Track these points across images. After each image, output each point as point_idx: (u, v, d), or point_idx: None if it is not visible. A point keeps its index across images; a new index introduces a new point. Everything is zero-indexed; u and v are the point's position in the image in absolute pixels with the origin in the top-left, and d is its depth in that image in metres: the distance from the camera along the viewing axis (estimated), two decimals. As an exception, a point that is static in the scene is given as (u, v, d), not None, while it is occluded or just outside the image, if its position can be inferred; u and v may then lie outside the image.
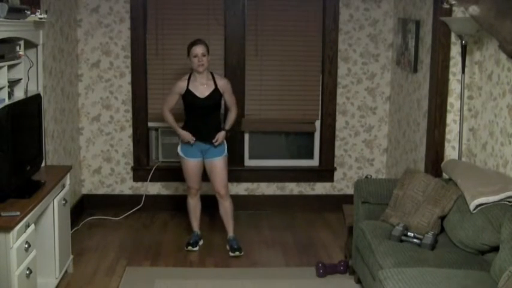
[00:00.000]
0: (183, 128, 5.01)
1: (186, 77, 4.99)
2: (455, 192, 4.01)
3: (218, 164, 5.02)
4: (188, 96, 4.94)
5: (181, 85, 4.96)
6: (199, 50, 4.85)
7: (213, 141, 4.94)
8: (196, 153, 5.01)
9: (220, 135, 4.96)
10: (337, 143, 6.19)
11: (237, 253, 5.00)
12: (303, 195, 6.24)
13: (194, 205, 5.20)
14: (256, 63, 6.04)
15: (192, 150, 5.00)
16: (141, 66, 5.95)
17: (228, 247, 5.09)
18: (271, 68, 6.05)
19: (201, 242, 5.23)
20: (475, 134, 4.60)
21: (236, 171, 5.98)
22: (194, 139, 4.94)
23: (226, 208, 5.11)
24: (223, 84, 5.00)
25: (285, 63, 6.05)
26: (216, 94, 4.96)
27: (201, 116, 4.96)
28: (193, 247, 5.11)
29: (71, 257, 4.66)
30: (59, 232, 4.29)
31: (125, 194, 6.15)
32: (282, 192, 6.24)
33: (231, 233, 5.15)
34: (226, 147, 5.08)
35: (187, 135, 4.94)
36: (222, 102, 5.11)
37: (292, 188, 6.24)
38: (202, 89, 4.94)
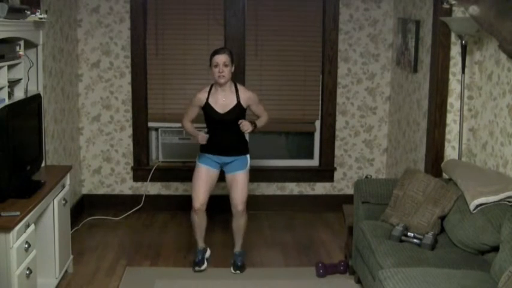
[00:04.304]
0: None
1: (207, 88, 4.62)
2: (455, 192, 4.01)
3: (240, 177, 4.66)
4: (207, 110, 4.59)
5: (201, 98, 4.60)
6: (220, 59, 4.46)
7: (238, 122, 4.55)
8: (213, 163, 4.67)
9: (246, 123, 4.55)
10: (337, 143, 6.19)
11: (238, 272, 4.73)
12: (303, 195, 6.24)
13: (199, 222, 4.74)
14: (256, 63, 6.04)
15: (210, 160, 4.67)
16: (141, 66, 5.95)
17: (232, 261, 4.81)
18: (271, 68, 6.05)
19: (208, 254, 4.90)
20: (475, 134, 4.60)
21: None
22: (205, 139, 4.61)
23: (240, 225, 4.76)
24: (247, 97, 4.61)
25: (285, 63, 6.05)
26: (238, 109, 4.57)
27: (221, 131, 4.60)
28: (200, 267, 4.73)
29: (71, 257, 4.66)
30: (59, 232, 4.29)
31: (125, 194, 6.16)
32: (282, 192, 6.24)
33: (238, 248, 4.83)
34: (249, 161, 4.73)
35: (202, 138, 4.62)
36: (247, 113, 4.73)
37: (292, 188, 6.24)
38: (223, 103, 4.57)
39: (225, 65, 4.49)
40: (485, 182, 3.83)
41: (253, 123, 4.62)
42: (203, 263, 4.77)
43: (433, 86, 4.75)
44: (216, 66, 4.50)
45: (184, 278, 4.63)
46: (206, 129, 4.72)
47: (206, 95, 4.61)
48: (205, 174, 4.68)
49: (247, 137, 4.88)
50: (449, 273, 3.33)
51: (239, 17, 5.91)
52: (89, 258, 4.96)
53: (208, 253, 4.92)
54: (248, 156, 4.74)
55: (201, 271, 4.73)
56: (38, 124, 4.30)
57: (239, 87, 4.66)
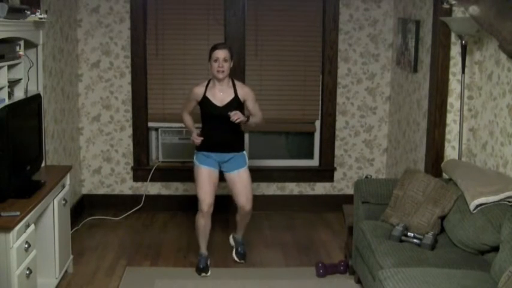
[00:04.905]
0: (200, 136, 4.65)
1: (204, 83, 4.64)
2: (455, 192, 4.01)
3: (243, 175, 4.68)
4: (205, 104, 4.60)
5: (198, 92, 4.61)
6: (220, 54, 4.48)
7: (230, 113, 4.47)
8: (212, 163, 4.66)
9: (238, 112, 4.48)
10: (337, 143, 6.19)
11: (243, 261, 4.86)
12: (303, 195, 6.24)
13: (204, 225, 4.71)
14: (256, 63, 6.04)
15: (208, 159, 4.66)
16: (141, 66, 5.95)
17: (232, 243, 4.99)
18: (271, 68, 6.05)
19: (209, 262, 4.82)
20: (475, 134, 4.60)
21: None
22: (199, 141, 4.62)
23: (244, 219, 4.85)
24: (245, 92, 4.63)
25: (285, 63, 6.05)
26: (236, 102, 4.58)
27: (219, 126, 4.59)
28: (206, 272, 4.69)
29: (71, 257, 4.66)
30: (59, 232, 4.29)
31: (125, 194, 6.16)
32: (282, 192, 6.24)
33: (240, 235, 4.97)
34: (247, 158, 4.74)
35: (196, 139, 4.63)
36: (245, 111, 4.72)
37: (292, 188, 6.24)
38: (220, 96, 4.58)
39: (225, 60, 4.51)
40: (485, 182, 3.83)
41: (247, 117, 4.63)
42: (208, 270, 4.72)
43: (433, 86, 4.75)
44: (215, 60, 4.51)
45: (184, 278, 4.63)
46: (200, 128, 4.71)
47: (203, 89, 4.63)
48: (208, 177, 4.67)
49: (245, 135, 4.88)
50: (449, 273, 3.33)
51: (239, 17, 5.92)
52: (89, 258, 4.96)
53: (209, 261, 4.85)
54: (245, 153, 4.76)
55: (207, 276, 4.68)
56: (38, 124, 4.29)
57: (236, 82, 4.69)
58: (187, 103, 4.76)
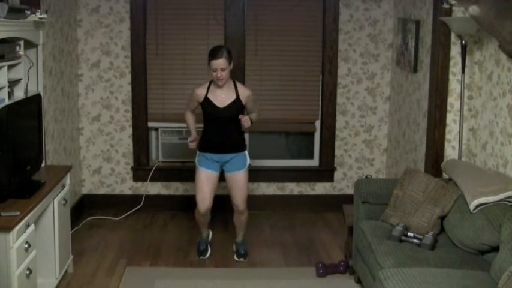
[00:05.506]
0: (201, 137, 4.73)
1: (206, 84, 4.68)
2: (455, 192, 4.01)
3: (240, 177, 4.75)
4: (207, 105, 4.64)
5: (200, 93, 4.66)
6: (218, 64, 4.49)
7: (239, 117, 4.60)
8: (213, 165, 4.72)
9: (247, 118, 4.60)
10: (337, 143, 6.19)
11: (242, 259, 4.94)
12: (303, 195, 6.24)
13: (205, 220, 4.95)
14: (256, 63, 6.04)
15: (209, 161, 4.71)
16: (141, 66, 5.95)
17: (234, 249, 5.06)
18: (271, 68, 6.05)
19: (210, 237, 5.15)
20: (475, 134, 4.60)
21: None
22: (194, 146, 4.73)
23: (241, 221, 4.94)
24: (246, 95, 4.67)
25: (285, 63, 6.05)
26: (237, 104, 4.63)
27: (220, 127, 4.65)
28: (204, 255, 5.01)
29: (71, 257, 4.66)
30: (59, 232, 4.29)
31: (125, 194, 6.16)
32: (282, 192, 6.24)
33: (240, 238, 5.04)
34: (248, 159, 4.79)
35: (193, 142, 4.72)
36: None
37: (292, 188, 6.24)
38: (222, 98, 4.62)
39: (223, 70, 4.52)
40: (485, 182, 3.83)
41: (249, 118, 4.68)
42: (207, 251, 5.04)
43: (433, 86, 4.75)
44: (214, 70, 4.53)
45: (184, 278, 4.63)
46: (202, 129, 4.75)
47: (205, 91, 4.66)
48: (206, 180, 4.75)
49: (246, 135, 4.90)
50: (449, 273, 3.33)
51: (239, 17, 5.92)
52: (89, 258, 4.96)
53: (210, 236, 5.18)
54: (247, 153, 4.79)
55: (205, 259, 4.98)
56: (38, 124, 4.29)
57: (238, 84, 4.72)
58: (190, 103, 4.79)
